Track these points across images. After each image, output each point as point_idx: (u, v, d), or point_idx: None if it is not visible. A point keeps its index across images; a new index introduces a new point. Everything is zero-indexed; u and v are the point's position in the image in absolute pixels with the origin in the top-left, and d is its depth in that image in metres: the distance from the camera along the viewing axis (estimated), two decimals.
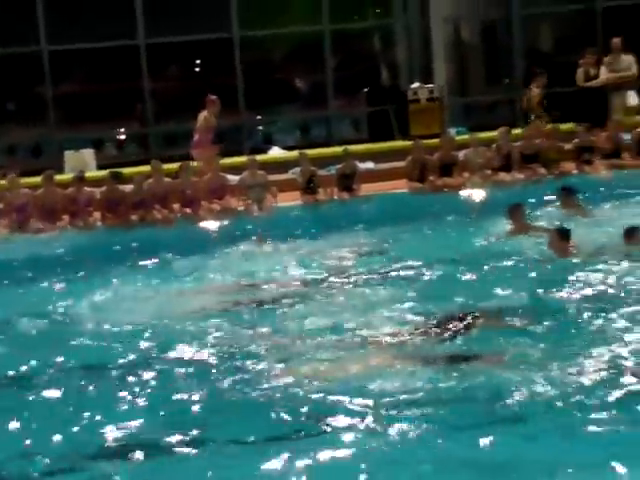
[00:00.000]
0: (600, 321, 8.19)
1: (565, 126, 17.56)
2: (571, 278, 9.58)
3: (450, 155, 16.47)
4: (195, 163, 16.05)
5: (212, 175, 15.64)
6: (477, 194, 15.57)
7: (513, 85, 20.23)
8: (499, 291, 9.35)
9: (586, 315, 8.39)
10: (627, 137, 17.20)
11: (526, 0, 19.94)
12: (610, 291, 9.13)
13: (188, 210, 15.28)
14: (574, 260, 10.23)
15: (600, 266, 9.92)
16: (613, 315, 8.28)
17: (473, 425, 6.19)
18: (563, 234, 10.52)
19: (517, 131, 17.47)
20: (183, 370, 7.60)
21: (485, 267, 10.45)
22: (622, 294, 8.97)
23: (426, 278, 10.36)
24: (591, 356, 7.24)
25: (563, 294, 9.14)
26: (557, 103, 19.58)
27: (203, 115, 16.19)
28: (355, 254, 11.97)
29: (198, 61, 20.50)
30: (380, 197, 15.64)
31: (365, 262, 11.49)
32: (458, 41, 21.49)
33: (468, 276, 10.20)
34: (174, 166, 16.00)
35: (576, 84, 18.39)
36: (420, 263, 10.93)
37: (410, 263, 10.98)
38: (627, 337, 7.68)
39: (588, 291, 9.15)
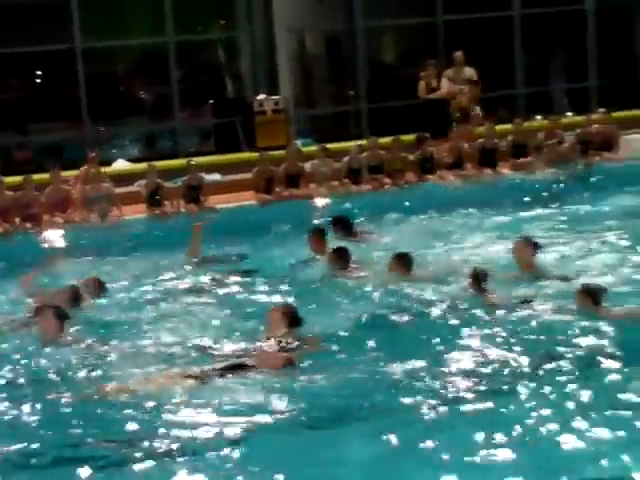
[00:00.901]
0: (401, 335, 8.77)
1: (407, 137, 17.85)
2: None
3: (296, 166, 16.53)
4: None
5: (54, 188, 15.33)
6: (324, 204, 15.70)
7: (358, 97, 20.43)
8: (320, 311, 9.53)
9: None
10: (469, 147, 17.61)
11: (369, 12, 20.15)
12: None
13: (28, 225, 14.93)
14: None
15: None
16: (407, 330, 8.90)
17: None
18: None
19: (363, 142, 17.66)
20: None
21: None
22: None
23: (259, 293, 10.50)
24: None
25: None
26: (399, 115, 19.96)
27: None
28: (193, 267, 11.99)
29: (40, 72, 20.07)
30: (227, 209, 15.58)
31: (202, 274, 11.61)
32: (303, 53, 21.63)
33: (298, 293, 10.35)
34: (17, 179, 15.60)
35: (418, 96, 18.71)
36: (257, 276, 11.25)
37: (247, 277, 11.22)
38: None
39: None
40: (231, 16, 20.35)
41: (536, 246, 10.31)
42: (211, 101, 20.24)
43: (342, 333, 8.87)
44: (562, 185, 16.42)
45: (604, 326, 8.47)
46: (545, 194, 15.78)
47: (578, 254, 11.60)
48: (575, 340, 8.25)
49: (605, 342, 8.15)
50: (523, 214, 14.53)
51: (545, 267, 10.45)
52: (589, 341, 8.21)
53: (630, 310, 8.99)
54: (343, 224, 12.82)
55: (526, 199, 15.33)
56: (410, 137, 17.77)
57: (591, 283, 9.34)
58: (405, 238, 13.07)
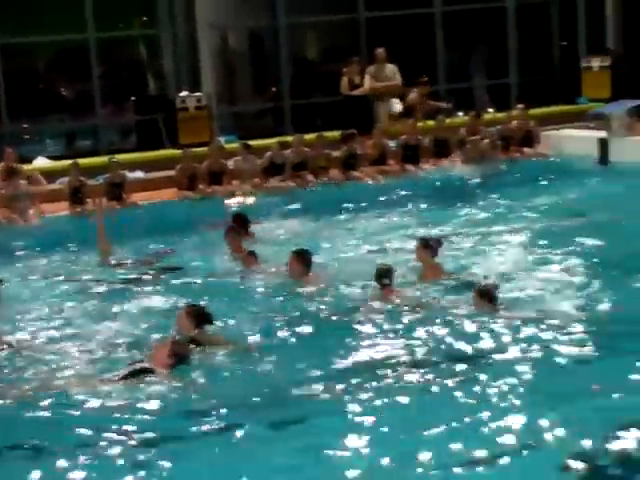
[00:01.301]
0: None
1: (331, 134, 17.89)
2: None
3: (219, 163, 16.48)
4: None
5: None
6: (247, 201, 15.68)
7: (281, 93, 20.41)
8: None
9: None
10: (392, 144, 17.69)
11: (292, 9, 20.14)
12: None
13: None
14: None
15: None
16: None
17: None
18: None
19: (288, 138, 17.67)
20: None
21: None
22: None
23: (176, 291, 10.49)
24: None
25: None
26: (323, 111, 20.00)
27: None
28: (116, 266, 11.96)
29: None
30: (150, 206, 15.48)
31: (121, 272, 11.65)
32: (225, 49, 21.55)
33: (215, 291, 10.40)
34: None
35: (341, 92, 18.77)
36: (178, 273, 11.30)
37: (168, 274, 11.25)
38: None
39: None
40: (153, 13, 20.19)
41: (435, 246, 10.30)
42: (133, 98, 20.09)
43: (253, 331, 8.92)
44: (482, 181, 16.60)
45: (498, 325, 8.60)
46: (465, 191, 15.94)
47: (491, 251, 11.70)
48: (471, 338, 8.34)
49: (500, 340, 8.28)
50: (441, 211, 14.63)
51: (447, 266, 10.51)
52: (485, 340, 8.31)
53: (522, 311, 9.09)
54: (241, 221, 12.68)
55: (446, 196, 15.47)
56: (334, 134, 17.83)
57: (485, 282, 9.47)
58: (315, 236, 13.14)
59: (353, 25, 20.67)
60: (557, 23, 22.05)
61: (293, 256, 10.40)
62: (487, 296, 8.96)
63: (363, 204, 15.20)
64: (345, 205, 15.21)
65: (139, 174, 16.97)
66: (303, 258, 10.38)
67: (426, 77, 19.36)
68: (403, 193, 15.86)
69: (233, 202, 15.65)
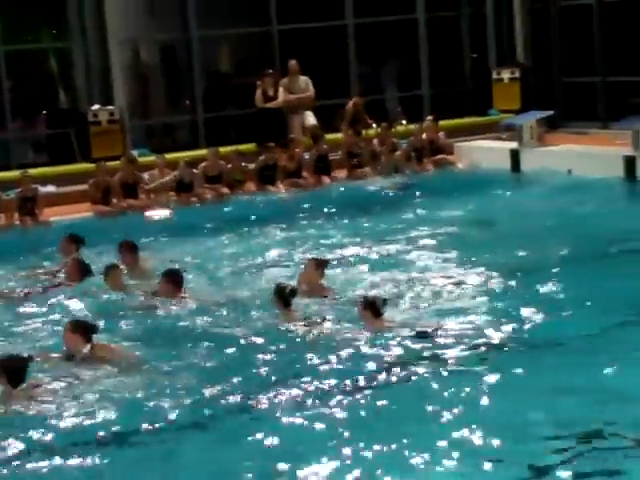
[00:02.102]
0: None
1: (246, 146, 17.88)
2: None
3: (132, 176, 16.36)
4: None
5: None
6: (161, 214, 15.60)
7: (194, 106, 20.32)
8: None
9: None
10: (306, 156, 17.74)
11: (204, 22, 20.07)
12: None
13: None
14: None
15: None
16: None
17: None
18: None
19: (203, 151, 17.63)
20: None
21: None
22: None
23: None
24: None
25: None
26: (237, 124, 19.97)
27: None
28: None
29: None
30: (63, 223, 15.23)
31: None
32: (138, 62, 21.40)
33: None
34: None
35: (255, 105, 18.77)
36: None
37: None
38: None
39: None
40: (64, 26, 19.95)
41: (323, 266, 10.23)
42: (44, 112, 19.84)
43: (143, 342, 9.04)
44: (394, 193, 16.69)
45: (383, 339, 8.66)
46: (375, 203, 16.02)
47: (395, 264, 11.73)
48: (362, 353, 8.41)
49: (383, 353, 8.35)
50: (354, 224, 14.67)
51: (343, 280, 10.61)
52: (373, 354, 8.38)
53: (405, 321, 9.12)
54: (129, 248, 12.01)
55: (357, 208, 15.50)
56: (249, 146, 17.78)
57: (371, 294, 9.40)
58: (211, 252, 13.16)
59: (266, 38, 20.68)
60: (467, 36, 22.33)
61: (163, 276, 10.46)
62: (371, 309, 8.91)
63: (273, 218, 15.09)
64: (253, 219, 15.13)
65: (51, 188, 16.77)
66: (172, 278, 10.40)
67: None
68: (311, 206, 15.84)
69: (152, 215, 15.56)
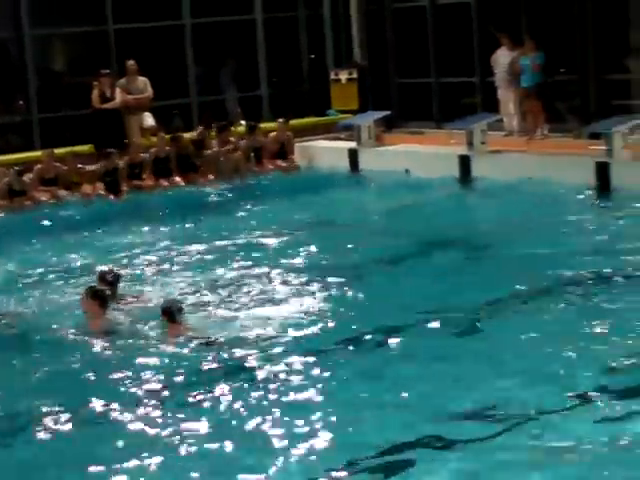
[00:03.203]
0: None
1: (82, 148, 17.59)
2: None
3: None
4: None
5: None
6: None
7: (28, 106, 19.81)
8: None
9: None
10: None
11: (37, 20, 19.59)
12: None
13: None
14: None
15: None
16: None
17: None
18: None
19: (38, 153, 17.25)
20: None
21: None
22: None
23: None
24: None
25: None
26: (73, 125, 19.56)
27: None
28: None
29: None
30: None
31: None
32: None
33: None
34: None
35: (91, 105, 18.44)
36: None
37: None
38: None
39: None
40: None
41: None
42: None
43: None
44: (231, 195, 16.63)
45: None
46: (209, 205, 15.97)
47: (210, 268, 11.61)
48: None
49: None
50: (180, 226, 14.58)
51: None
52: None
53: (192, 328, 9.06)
54: None
55: (190, 211, 15.39)
56: (85, 148, 17.48)
57: (169, 301, 9.33)
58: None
59: (102, 36, 20.32)
60: (305, 36, 22.43)
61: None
62: (167, 314, 8.88)
63: (94, 222, 14.93)
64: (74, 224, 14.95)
65: None
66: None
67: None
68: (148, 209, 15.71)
69: None
